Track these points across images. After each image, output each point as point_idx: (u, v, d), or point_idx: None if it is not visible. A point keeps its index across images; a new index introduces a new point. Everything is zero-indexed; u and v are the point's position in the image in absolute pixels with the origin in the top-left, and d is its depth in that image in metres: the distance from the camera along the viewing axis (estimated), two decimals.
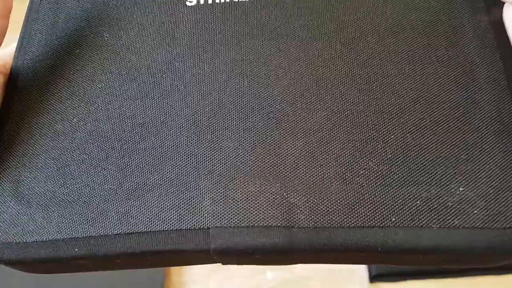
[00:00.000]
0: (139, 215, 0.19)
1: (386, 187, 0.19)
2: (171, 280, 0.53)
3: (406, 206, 0.18)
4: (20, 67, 0.23)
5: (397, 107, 0.20)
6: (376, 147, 0.19)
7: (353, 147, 0.19)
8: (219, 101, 0.21)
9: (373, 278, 0.53)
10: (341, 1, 0.23)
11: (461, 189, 0.18)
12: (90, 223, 0.19)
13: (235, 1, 0.23)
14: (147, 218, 0.19)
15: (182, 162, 0.20)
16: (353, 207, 0.18)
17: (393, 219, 0.18)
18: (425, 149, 0.19)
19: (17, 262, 0.20)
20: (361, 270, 0.53)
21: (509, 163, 0.19)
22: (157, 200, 0.19)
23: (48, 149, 0.21)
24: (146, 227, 0.19)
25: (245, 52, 0.22)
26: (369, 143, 0.19)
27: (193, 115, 0.21)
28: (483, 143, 0.19)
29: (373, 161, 0.19)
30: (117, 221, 0.19)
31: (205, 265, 0.56)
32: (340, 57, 0.21)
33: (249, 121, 0.20)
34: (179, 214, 0.19)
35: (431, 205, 0.18)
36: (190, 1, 0.23)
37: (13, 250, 0.19)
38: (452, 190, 0.18)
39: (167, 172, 0.20)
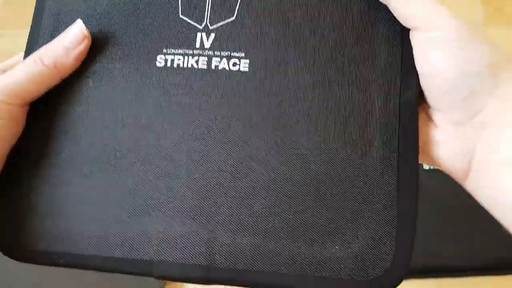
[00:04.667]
0: (106, 242, 0.26)
1: (283, 242, 0.25)
2: None
3: (295, 259, 0.24)
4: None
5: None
6: (281, 208, 0.25)
7: (263, 205, 0.25)
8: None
9: None
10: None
11: (336, 247, 0.24)
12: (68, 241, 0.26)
13: (196, 68, 0.27)
14: (111, 244, 0.26)
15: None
16: (260, 255, 0.25)
17: (283, 269, 0.24)
18: (316, 214, 0.25)
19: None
20: None
21: (380, 231, 0.24)
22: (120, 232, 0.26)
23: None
24: (108, 252, 0.26)
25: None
26: (276, 206, 0.25)
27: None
28: (363, 210, 0.25)
29: (278, 219, 0.25)
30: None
31: None
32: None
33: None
34: (131, 246, 0.26)
35: (310, 260, 0.24)
36: (159, 62, 0.27)
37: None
38: (329, 248, 0.24)
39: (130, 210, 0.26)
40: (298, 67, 0.26)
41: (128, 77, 0.27)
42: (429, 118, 0.26)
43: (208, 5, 0.27)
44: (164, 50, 0.27)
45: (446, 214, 0.54)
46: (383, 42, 0.26)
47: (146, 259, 0.25)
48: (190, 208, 0.25)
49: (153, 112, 0.26)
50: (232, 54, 0.26)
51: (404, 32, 0.26)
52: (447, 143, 0.25)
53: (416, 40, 0.25)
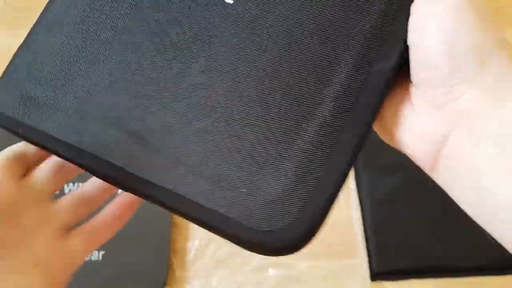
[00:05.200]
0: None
1: (193, 165, 0.24)
2: (174, 274, 0.53)
3: (197, 187, 0.24)
4: None
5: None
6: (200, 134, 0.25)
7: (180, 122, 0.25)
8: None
9: (375, 276, 0.53)
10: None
11: (243, 189, 0.23)
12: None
13: None
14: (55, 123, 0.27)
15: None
16: (156, 172, 0.24)
17: (181, 191, 0.24)
18: (231, 150, 0.24)
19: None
20: (363, 268, 0.54)
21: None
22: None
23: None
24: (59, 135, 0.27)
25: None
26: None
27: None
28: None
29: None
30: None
31: (207, 262, 0.56)
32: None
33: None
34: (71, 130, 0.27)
35: (209, 190, 0.23)
36: None
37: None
38: (234, 187, 0.23)
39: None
40: (282, 8, 0.26)
41: None
42: (406, 94, 0.25)
43: None
44: None
45: (446, 213, 0.54)
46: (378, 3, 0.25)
47: (80, 148, 0.26)
48: (123, 110, 0.26)
49: (137, 23, 0.28)
50: None
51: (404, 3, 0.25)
52: (419, 124, 0.24)
53: (415, 4, 0.24)
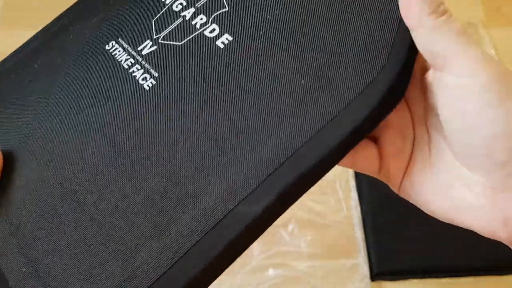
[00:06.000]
0: None
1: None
2: None
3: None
4: None
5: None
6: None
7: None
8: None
9: (375, 276, 0.53)
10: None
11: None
12: None
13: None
14: None
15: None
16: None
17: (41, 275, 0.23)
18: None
19: None
20: (363, 268, 0.54)
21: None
22: None
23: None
24: None
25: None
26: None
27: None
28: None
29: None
30: None
31: None
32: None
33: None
34: None
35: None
36: (108, 45, 0.29)
37: None
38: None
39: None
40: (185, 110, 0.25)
41: (78, 46, 0.29)
42: (460, 179, 0.23)
43: (174, 24, 0.28)
44: (119, 39, 0.29)
45: None
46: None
47: None
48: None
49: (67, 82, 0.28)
50: (150, 70, 0.27)
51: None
52: (484, 209, 0.22)
53: (443, 82, 0.21)
